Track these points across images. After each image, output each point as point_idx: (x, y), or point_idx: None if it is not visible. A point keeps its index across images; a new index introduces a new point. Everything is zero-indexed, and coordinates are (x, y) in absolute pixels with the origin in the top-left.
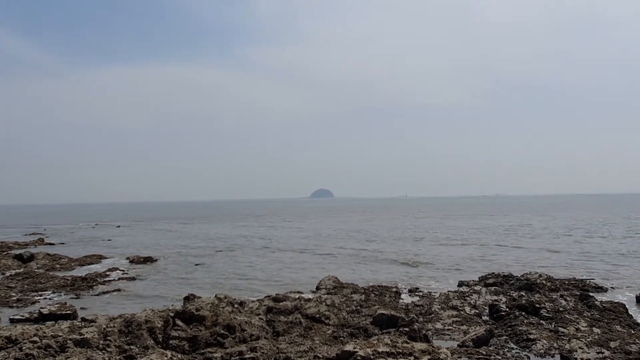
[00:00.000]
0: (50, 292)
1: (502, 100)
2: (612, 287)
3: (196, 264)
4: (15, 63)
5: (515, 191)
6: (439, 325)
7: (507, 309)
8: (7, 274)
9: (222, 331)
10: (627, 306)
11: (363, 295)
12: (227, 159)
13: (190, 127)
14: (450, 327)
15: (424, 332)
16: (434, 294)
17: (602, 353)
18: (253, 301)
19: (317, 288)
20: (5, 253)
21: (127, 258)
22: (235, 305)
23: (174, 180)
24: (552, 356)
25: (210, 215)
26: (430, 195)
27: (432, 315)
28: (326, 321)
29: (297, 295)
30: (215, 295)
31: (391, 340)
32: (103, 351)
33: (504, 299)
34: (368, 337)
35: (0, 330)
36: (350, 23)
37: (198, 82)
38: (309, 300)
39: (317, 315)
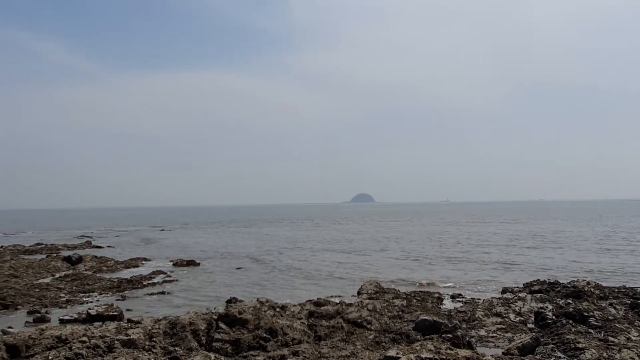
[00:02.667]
0: (97, 293)
1: (545, 104)
2: None
3: (237, 268)
4: (58, 71)
5: (563, 196)
6: (482, 332)
7: (554, 317)
8: (57, 275)
9: (265, 335)
10: None
11: (405, 301)
12: (266, 165)
13: (228, 133)
14: (494, 335)
15: (467, 338)
16: (477, 300)
17: None
18: (294, 305)
19: (359, 293)
20: (55, 255)
21: (171, 261)
22: (277, 309)
23: (213, 185)
24: None
25: (251, 220)
26: (472, 200)
27: (476, 321)
28: (368, 326)
29: (338, 300)
30: (257, 299)
31: (434, 347)
32: (149, 352)
33: (550, 307)
34: (410, 343)
35: (50, 329)
36: (389, 28)
37: (234, 89)
38: (350, 305)
39: (359, 320)
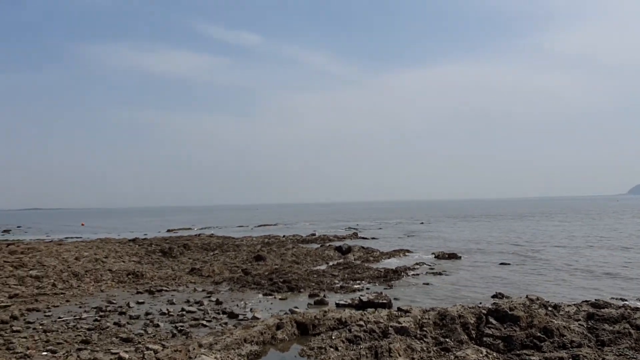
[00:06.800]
0: (366, 281)
1: None
2: None
3: (500, 263)
4: (322, 78)
5: None
6: None
7: None
8: (330, 263)
9: (539, 334)
10: None
11: None
12: (530, 155)
13: (484, 124)
14: None
15: None
16: None
17: None
18: (569, 305)
19: None
20: (328, 245)
21: (433, 253)
22: (549, 308)
23: (473, 177)
24: None
25: (513, 213)
26: None
27: None
28: None
29: (620, 303)
30: (527, 296)
31: None
32: (420, 341)
33: None
34: None
35: (332, 312)
36: None
37: (490, 78)
38: (636, 309)
39: None
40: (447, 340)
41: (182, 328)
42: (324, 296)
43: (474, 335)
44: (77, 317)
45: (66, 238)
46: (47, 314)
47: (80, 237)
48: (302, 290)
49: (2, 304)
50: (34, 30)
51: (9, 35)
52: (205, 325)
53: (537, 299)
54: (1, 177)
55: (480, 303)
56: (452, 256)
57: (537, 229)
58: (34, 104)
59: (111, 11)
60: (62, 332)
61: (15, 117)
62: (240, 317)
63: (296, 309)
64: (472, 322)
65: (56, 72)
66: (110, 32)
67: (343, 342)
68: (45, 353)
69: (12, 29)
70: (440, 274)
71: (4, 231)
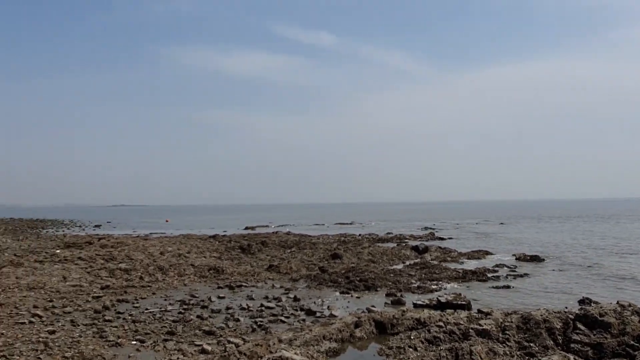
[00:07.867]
0: (444, 282)
1: None
2: None
3: (587, 266)
4: (395, 77)
5: None
6: None
7: None
8: (407, 263)
9: (632, 342)
10: None
11: None
12: (612, 153)
13: (563, 122)
14: None
15: None
16: None
17: None
18: None
19: None
20: (404, 244)
21: (513, 255)
22: None
23: (553, 177)
24: None
25: (591, 215)
26: None
27: None
28: None
29: None
30: (617, 302)
31: None
32: (503, 344)
33: None
34: None
35: (410, 312)
36: None
37: (567, 75)
38: None
39: None
40: (532, 344)
41: (261, 323)
42: (401, 296)
43: (560, 341)
44: (162, 309)
45: (151, 233)
46: (135, 305)
47: (164, 233)
48: (378, 289)
49: (96, 295)
50: (120, 33)
51: (95, 38)
52: (283, 321)
53: (629, 305)
54: (93, 175)
55: (566, 308)
56: (534, 258)
57: (621, 232)
58: (115, 103)
59: (192, 16)
60: (149, 323)
61: (99, 119)
62: (318, 314)
63: (373, 308)
64: (558, 327)
65: (140, 73)
66: (190, 35)
67: (422, 342)
68: (134, 342)
69: (99, 32)
70: (521, 276)
71: (95, 226)
